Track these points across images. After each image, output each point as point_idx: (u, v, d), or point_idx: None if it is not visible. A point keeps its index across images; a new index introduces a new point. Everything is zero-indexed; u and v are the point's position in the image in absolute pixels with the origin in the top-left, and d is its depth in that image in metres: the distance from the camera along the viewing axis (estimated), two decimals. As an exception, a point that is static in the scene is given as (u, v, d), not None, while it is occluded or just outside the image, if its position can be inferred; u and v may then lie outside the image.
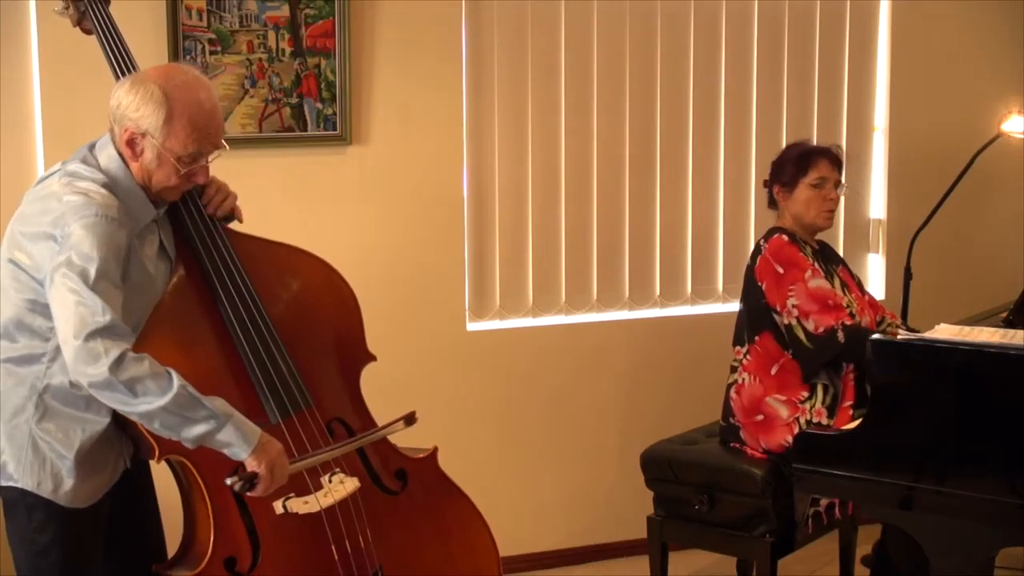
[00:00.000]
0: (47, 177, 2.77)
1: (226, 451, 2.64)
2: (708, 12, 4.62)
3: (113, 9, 3.03)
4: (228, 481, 2.68)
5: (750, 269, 3.85)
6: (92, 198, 2.63)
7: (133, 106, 2.68)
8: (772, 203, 3.96)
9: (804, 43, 4.77)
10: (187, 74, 2.76)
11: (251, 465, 2.65)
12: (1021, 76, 5.00)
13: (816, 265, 3.80)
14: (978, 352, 3.01)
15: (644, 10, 4.53)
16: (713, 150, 4.71)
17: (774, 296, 3.76)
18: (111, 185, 2.69)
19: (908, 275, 4.43)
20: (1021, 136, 4.52)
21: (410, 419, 3.02)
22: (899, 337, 3.17)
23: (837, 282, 3.86)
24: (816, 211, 3.86)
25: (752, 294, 3.83)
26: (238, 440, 2.62)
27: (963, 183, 4.44)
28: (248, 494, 2.70)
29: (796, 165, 3.87)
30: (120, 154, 2.73)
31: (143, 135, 2.69)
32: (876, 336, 3.19)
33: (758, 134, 4.74)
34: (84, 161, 2.74)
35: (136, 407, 2.56)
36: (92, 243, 2.57)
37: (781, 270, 3.75)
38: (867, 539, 4.24)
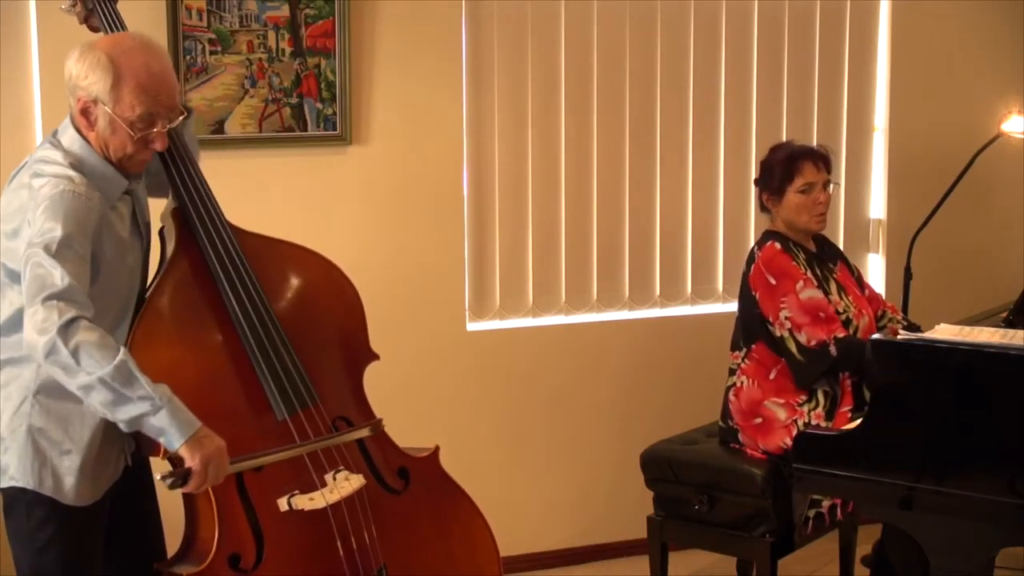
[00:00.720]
0: (18, 171, 2.78)
1: (161, 439, 2.58)
2: (708, 12, 4.62)
3: (114, 8, 3.03)
4: (158, 477, 2.67)
5: (745, 276, 3.84)
6: (59, 179, 2.63)
7: (82, 74, 2.69)
8: (763, 208, 3.93)
9: (804, 43, 4.77)
10: (135, 40, 2.76)
11: (184, 456, 2.59)
12: (1021, 76, 5.00)
13: (809, 274, 3.77)
14: (978, 352, 3.01)
15: (644, 10, 4.53)
16: (713, 150, 4.70)
17: (767, 307, 3.74)
18: (77, 165, 2.69)
19: (908, 275, 4.42)
20: (1021, 136, 4.52)
21: (375, 426, 3.01)
22: (899, 337, 3.16)
23: (834, 286, 3.84)
24: (807, 216, 3.82)
25: (747, 302, 3.83)
26: (172, 428, 2.55)
27: (963, 183, 4.44)
28: (182, 490, 2.63)
29: (782, 172, 3.82)
30: (79, 131, 2.73)
31: (94, 102, 2.69)
32: (876, 336, 3.19)
33: (758, 134, 4.73)
34: (50, 147, 2.74)
35: (77, 377, 2.51)
36: (56, 217, 2.57)
37: (773, 281, 3.74)
38: (867, 539, 4.24)
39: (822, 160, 3.87)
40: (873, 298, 4.03)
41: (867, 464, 3.12)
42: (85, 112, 2.70)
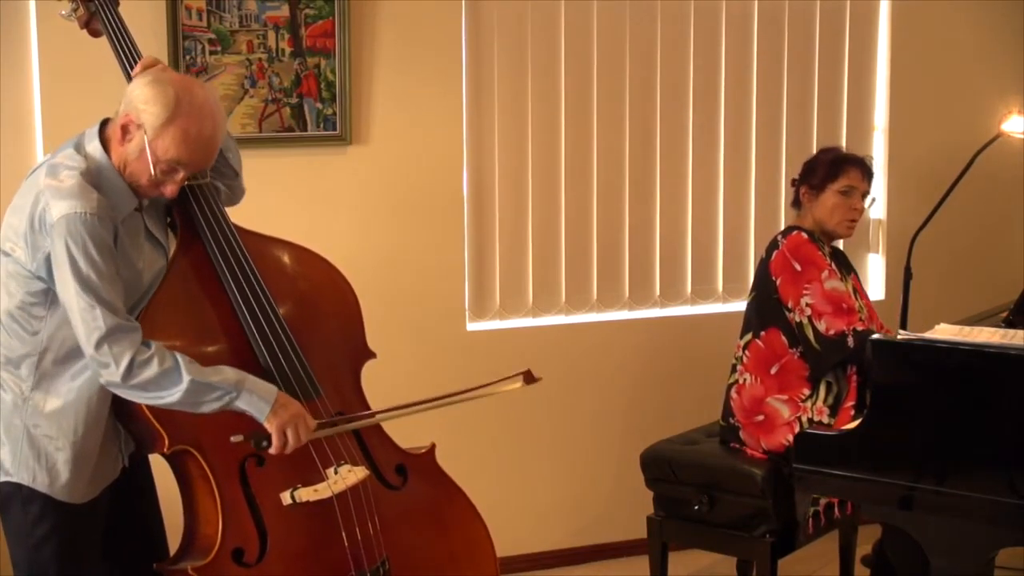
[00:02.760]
0: (36, 170, 2.79)
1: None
2: (708, 12, 4.62)
3: (113, 9, 3.03)
4: (233, 439, 2.77)
5: (764, 262, 3.82)
6: (74, 193, 2.65)
7: (143, 99, 2.71)
8: (796, 203, 3.93)
9: (804, 43, 4.77)
10: (206, 95, 2.78)
11: (266, 426, 2.75)
12: (1021, 76, 5.00)
13: (833, 266, 3.79)
14: (978, 352, 3.00)
15: (644, 10, 4.53)
16: (713, 150, 4.70)
17: (788, 292, 3.73)
18: (93, 173, 2.71)
19: (908, 275, 4.42)
20: (1021, 136, 4.52)
21: (529, 377, 3.13)
22: (899, 337, 3.16)
23: (850, 287, 3.84)
24: (839, 219, 3.83)
25: (765, 288, 3.81)
26: (252, 408, 2.73)
27: (963, 183, 4.44)
28: (266, 451, 2.77)
29: (827, 169, 3.84)
30: (104, 145, 2.75)
31: (139, 127, 2.70)
32: (876, 336, 3.19)
33: (758, 134, 4.74)
34: (73, 150, 2.75)
35: (153, 402, 2.70)
36: (77, 247, 2.62)
37: (799, 267, 3.73)
38: (867, 539, 4.24)
39: (867, 171, 3.89)
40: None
41: (867, 464, 3.12)
42: (125, 128, 2.72)
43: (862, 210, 3.88)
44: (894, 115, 4.93)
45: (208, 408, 2.70)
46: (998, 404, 2.97)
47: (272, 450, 2.76)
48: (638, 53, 4.55)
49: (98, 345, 2.62)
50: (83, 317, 2.63)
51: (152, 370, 2.64)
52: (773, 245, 3.83)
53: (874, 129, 4.97)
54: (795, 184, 3.96)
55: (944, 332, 3.16)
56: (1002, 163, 4.83)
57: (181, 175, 2.75)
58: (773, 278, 3.77)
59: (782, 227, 4.75)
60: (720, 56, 4.67)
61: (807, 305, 3.70)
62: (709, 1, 4.61)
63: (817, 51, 4.79)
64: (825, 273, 3.72)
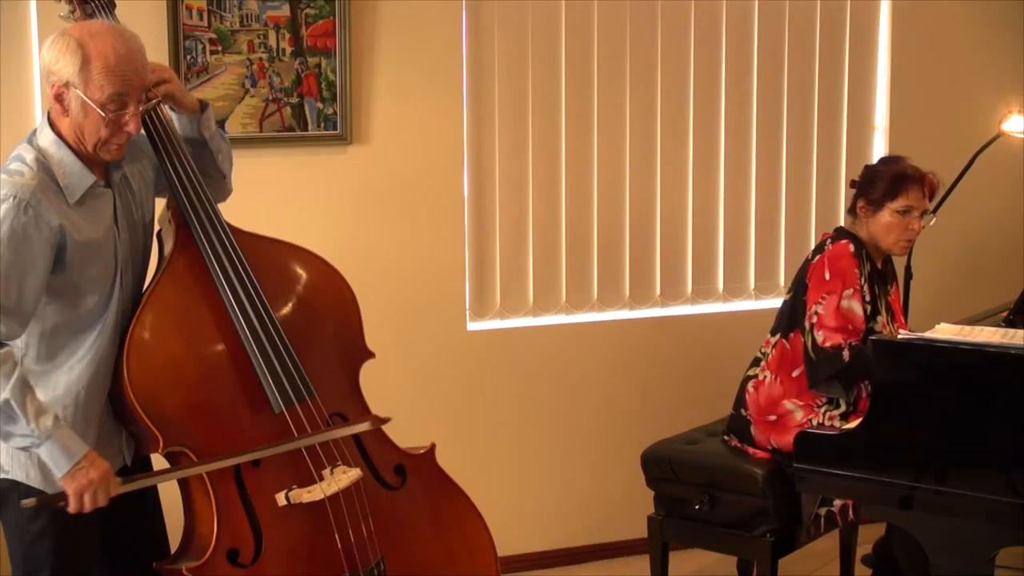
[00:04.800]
0: None
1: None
2: (708, 12, 4.62)
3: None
4: (24, 503, 2.69)
5: (807, 263, 3.78)
6: (11, 181, 2.65)
7: (53, 59, 2.69)
8: (853, 211, 3.84)
9: (804, 43, 4.77)
10: (104, 25, 2.77)
11: (63, 485, 2.64)
12: (1021, 76, 5.00)
13: (865, 289, 3.70)
14: (978, 352, 3.01)
15: (644, 10, 4.53)
16: (714, 150, 4.70)
17: (811, 296, 3.70)
18: (42, 161, 2.70)
19: (908, 275, 4.43)
20: (1021, 136, 4.52)
21: (376, 421, 3.01)
22: (899, 337, 3.16)
23: (884, 306, 3.78)
24: (894, 239, 3.76)
25: (800, 289, 3.77)
26: (52, 462, 2.62)
27: (963, 183, 4.44)
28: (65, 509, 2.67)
29: (886, 187, 3.73)
30: (52, 126, 2.74)
31: (66, 86, 2.69)
32: (876, 336, 3.19)
33: (758, 134, 4.74)
34: (26, 144, 2.75)
35: None
36: None
37: (828, 276, 3.67)
38: (867, 539, 4.24)
39: (930, 188, 3.79)
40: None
41: (867, 464, 3.12)
42: (59, 97, 2.71)
43: (919, 229, 3.77)
44: (894, 115, 4.93)
45: (16, 444, 2.62)
46: (998, 404, 2.98)
47: (69, 510, 2.65)
48: (639, 53, 4.55)
49: None
50: None
51: None
52: (820, 248, 3.77)
53: (874, 129, 4.97)
54: (853, 187, 3.86)
55: (944, 332, 3.16)
56: (1002, 163, 4.83)
57: (132, 106, 2.71)
58: (807, 280, 3.75)
59: (782, 227, 4.78)
60: (720, 56, 4.66)
61: (815, 313, 3.67)
62: (709, 1, 4.61)
63: (817, 51, 4.79)
64: (849, 291, 3.65)
